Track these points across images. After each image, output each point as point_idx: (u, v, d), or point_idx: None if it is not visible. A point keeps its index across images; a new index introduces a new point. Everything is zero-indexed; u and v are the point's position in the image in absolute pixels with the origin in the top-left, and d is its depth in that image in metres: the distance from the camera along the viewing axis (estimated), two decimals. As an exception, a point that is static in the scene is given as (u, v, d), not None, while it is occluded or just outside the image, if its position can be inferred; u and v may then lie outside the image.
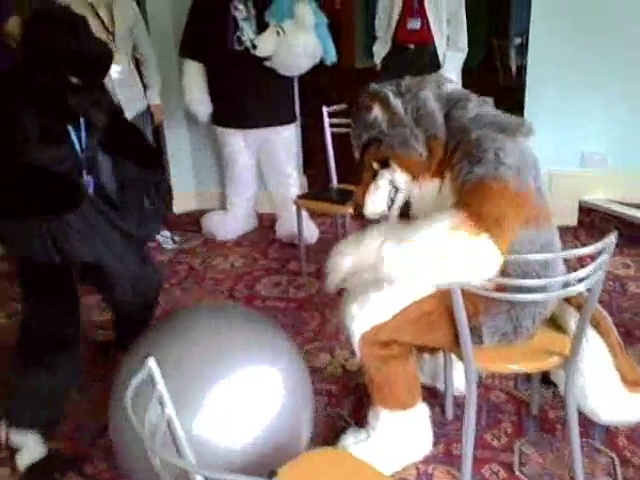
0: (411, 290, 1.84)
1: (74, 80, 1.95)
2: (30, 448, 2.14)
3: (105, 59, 2.06)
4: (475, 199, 1.61)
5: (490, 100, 1.83)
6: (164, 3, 3.98)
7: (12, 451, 2.15)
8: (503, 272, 1.65)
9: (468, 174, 1.63)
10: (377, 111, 1.77)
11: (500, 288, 1.69)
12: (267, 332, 1.93)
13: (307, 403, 1.89)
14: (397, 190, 1.85)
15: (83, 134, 2.07)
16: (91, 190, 2.12)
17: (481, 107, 1.77)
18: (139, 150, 2.33)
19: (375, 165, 1.83)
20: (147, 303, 2.46)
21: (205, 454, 1.56)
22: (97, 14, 3.28)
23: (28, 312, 2.15)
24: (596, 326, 1.86)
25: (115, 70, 3.31)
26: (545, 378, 2.15)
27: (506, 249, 1.59)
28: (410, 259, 1.64)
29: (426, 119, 1.74)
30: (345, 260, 1.86)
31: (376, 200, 1.87)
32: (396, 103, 1.75)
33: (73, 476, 2.09)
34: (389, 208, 1.88)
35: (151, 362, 1.35)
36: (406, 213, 1.92)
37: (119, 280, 2.26)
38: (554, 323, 1.93)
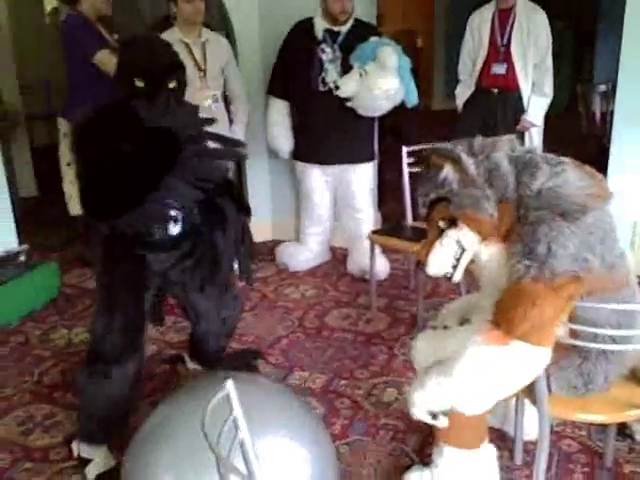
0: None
1: (139, 83, 2.03)
2: (99, 460, 2.22)
3: (173, 64, 2.13)
4: (510, 305, 1.63)
5: (568, 161, 1.75)
6: (254, 43, 4.16)
7: (83, 460, 2.24)
8: (573, 334, 1.68)
9: (516, 265, 1.62)
10: (448, 170, 1.72)
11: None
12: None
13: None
14: (463, 251, 1.80)
15: None
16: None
17: (552, 178, 1.68)
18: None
19: (442, 224, 1.79)
20: (227, 330, 2.58)
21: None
22: (191, 52, 3.47)
23: (98, 324, 2.20)
24: None
25: (204, 104, 3.47)
26: (621, 430, 2.08)
27: (551, 341, 1.63)
28: (463, 389, 1.70)
29: (498, 181, 1.70)
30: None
31: (439, 260, 1.81)
32: (469, 163, 1.71)
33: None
34: (454, 267, 1.83)
35: (229, 384, 1.40)
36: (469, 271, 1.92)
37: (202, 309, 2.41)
38: (634, 376, 1.87)
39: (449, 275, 1.84)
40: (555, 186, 1.66)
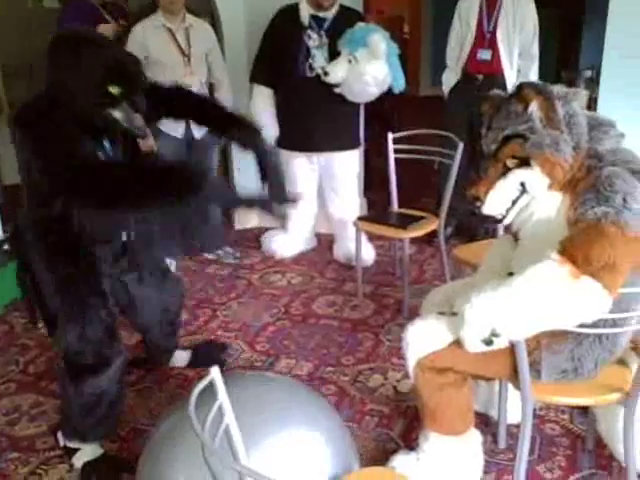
0: None
1: (114, 90, 1.90)
2: (87, 449, 2.22)
3: (140, 66, 2.00)
4: (587, 241, 1.58)
5: (624, 136, 1.77)
6: (239, 29, 4.13)
7: (69, 449, 2.25)
8: None
9: (589, 210, 1.60)
10: (535, 106, 1.68)
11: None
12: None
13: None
14: (523, 192, 1.76)
15: (107, 145, 2.07)
16: None
17: (618, 141, 1.73)
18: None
19: (510, 162, 1.73)
20: (171, 317, 2.56)
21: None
22: (174, 37, 3.44)
23: (70, 337, 2.12)
24: None
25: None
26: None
27: (617, 289, 1.58)
28: (520, 316, 1.61)
29: (576, 128, 1.69)
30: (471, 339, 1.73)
31: (499, 198, 1.77)
32: (558, 103, 1.68)
33: (128, 478, 2.15)
34: (507, 210, 1.79)
35: (214, 371, 1.40)
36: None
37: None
38: (617, 360, 1.89)
39: (501, 217, 1.81)
40: (625, 148, 1.70)
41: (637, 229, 1.58)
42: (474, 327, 1.67)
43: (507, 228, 1.97)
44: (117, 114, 1.94)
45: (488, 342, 1.67)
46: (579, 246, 1.59)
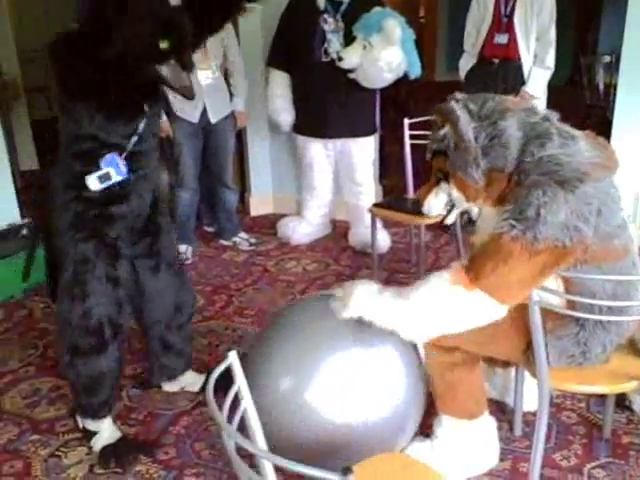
0: None
1: (163, 44, 1.85)
2: (105, 432, 2.24)
3: (189, 23, 1.92)
4: (482, 257, 1.68)
5: (580, 135, 1.75)
6: (255, 15, 4.10)
7: (88, 432, 2.26)
8: (568, 304, 1.70)
9: (500, 222, 1.65)
10: (446, 130, 1.77)
11: (570, 309, 1.70)
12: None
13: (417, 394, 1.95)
14: (453, 205, 1.92)
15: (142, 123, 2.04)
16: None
17: (562, 147, 1.68)
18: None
19: (438, 174, 1.88)
20: (181, 321, 2.41)
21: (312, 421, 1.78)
22: None
23: (73, 310, 2.10)
24: None
25: (205, 75, 3.45)
26: (620, 402, 2.10)
27: (512, 300, 1.68)
28: (414, 317, 1.76)
29: (496, 150, 1.71)
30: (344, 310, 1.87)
31: (434, 203, 1.93)
32: (467, 129, 1.72)
33: (145, 460, 2.18)
34: (448, 212, 1.95)
35: (232, 356, 1.41)
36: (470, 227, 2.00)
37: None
38: (633, 347, 1.88)
39: (441, 216, 2.00)
40: (559, 154, 1.66)
41: (549, 241, 1.59)
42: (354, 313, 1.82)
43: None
44: (165, 71, 1.90)
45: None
46: (477, 259, 1.70)
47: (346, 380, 1.80)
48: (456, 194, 1.84)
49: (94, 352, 2.11)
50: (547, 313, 1.71)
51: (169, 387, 2.55)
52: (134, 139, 2.04)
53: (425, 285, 1.75)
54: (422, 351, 1.95)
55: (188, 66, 1.94)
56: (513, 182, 1.71)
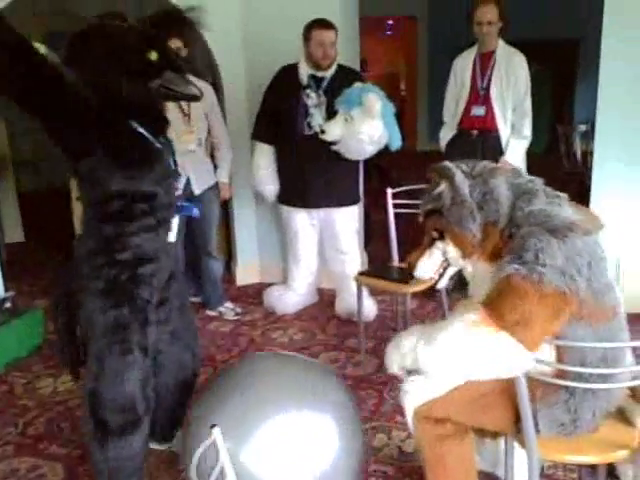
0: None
1: (153, 57, 1.87)
2: None
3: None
4: (499, 296, 1.66)
5: (564, 196, 1.83)
6: (240, 89, 4.23)
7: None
8: (560, 361, 1.68)
9: (501, 269, 1.67)
10: (444, 187, 1.84)
11: (559, 376, 1.68)
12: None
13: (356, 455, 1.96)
14: (448, 264, 1.94)
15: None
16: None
17: (549, 205, 1.76)
18: None
19: (433, 234, 1.92)
20: (183, 382, 2.38)
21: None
22: None
23: (107, 387, 2.04)
24: None
25: (188, 148, 3.52)
26: (611, 472, 2.07)
27: (538, 347, 1.63)
28: (438, 357, 1.73)
29: (490, 205, 1.79)
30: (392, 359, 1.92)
31: (426, 266, 1.96)
32: (463, 185, 1.81)
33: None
34: (440, 275, 1.98)
35: (216, 432, 1.40)
36: (463, 288, 2.00)
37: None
38: (621, 416, 1.87)
39: (434, 282, 2.01)
40: (547, 208, 1.74)
41: (554, 284, 1.61)
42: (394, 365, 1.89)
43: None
44: (165, 83, 1.92)
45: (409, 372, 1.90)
46: (493, 303, 1.67)
47: (280, 444, 1.79)
48: (452, 251, 1.87)
49: (128, 431, 2.04)
50: (536, 381, 1.70)
51: (157, 446, 2.52)
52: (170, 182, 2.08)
53: (451, 328, 1.72)
54: (411, 424, 1.93)
55: (183, 68, 1.98)
56: (505, 236, 1.76)
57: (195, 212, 2.21)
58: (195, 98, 2.03)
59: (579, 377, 1.67)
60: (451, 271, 1.98)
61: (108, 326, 2.02)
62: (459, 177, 1.82)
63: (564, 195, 1.84)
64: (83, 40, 1.92)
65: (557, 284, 1.61)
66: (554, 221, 1.70)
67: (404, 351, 1.83)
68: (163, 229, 2.12)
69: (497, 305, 1.65)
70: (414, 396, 1.90)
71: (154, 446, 2.51)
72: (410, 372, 1.90)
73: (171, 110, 3.54)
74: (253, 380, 1.93)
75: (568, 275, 1.62)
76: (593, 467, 2.14)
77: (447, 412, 1.84)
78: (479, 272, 1.88)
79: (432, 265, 1.96)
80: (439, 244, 1.91)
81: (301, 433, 1.83)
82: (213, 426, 1.42)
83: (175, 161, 2.17)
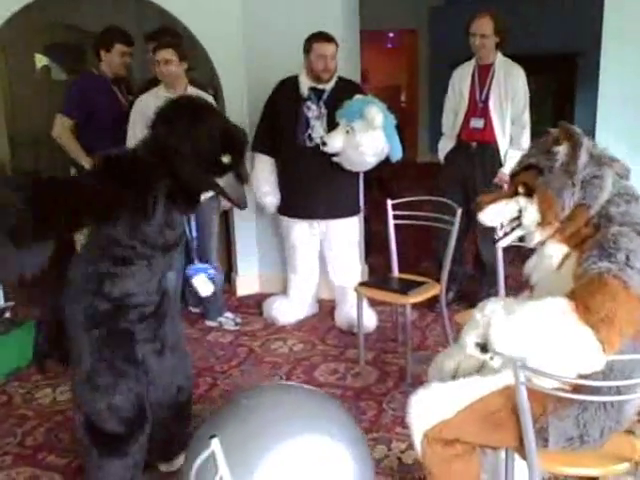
0: (476, 386, 1.84)
1: (225, 159, 1.97)
2: None
3: (247, 138, 2.08)
4: (588, 292, 1.61)
5: None
6: (241, 100, 4.25)
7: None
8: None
9: (592, 265, 1.63)
10: (563, 149, 1.76)
11: (572, 389, 1.67)
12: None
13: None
14: (519, 224, 1.86)
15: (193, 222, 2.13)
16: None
17: (637, 208, 1.76)
18: None
19: (520, 188, 1.84)
20: (180, 403, 2.37)
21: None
22: None
23: (99, 403, 2.09)
24: None
25: None
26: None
27: (614, 350, 1.59)
28: (516, 332, 1.64)
29: (592, 189, 1.74)
30: (469, 337, 1.85)
31: (496, 212, 1.88)
32: (584, 155, 1.75)
33: None
34: (505, 234, 1.90)
35: (215, 443, 1.39)
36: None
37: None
38: (624, 431, 1.86)
39: (497, 237, 1.92)
40: (636, 211, 1.73)
41: (638, 288, 1.59)
42: (476, 326, 1.78)
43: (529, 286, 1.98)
44: (222, 182, 2.01)
45: (482, 348, 1.79)
46: (581, 297, 1.62)
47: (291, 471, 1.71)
48: (532, 213, 1.80)
49: (124, 444, 2.07)
50: (548, 396, 1.68)
51: (165, 467, 2.49)
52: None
53: (538, 307, 1.66)
54: (418, 446, 1.88)
55: (245, 178, 2.07)
56: (592, 225, 1.73)
57: (211, 274, 2.23)
58: (242, 207, 2.14)
59: (595, 392, 1.64)
60: (518, 233, 1.89)
61: (93, 345, 2.06)
62: (586, 146, 1.75)
63: None
64: (174, 110, 2.02)
65: (639, 289, 1.60)
66: None
67: (478, 320, 1.76)
68: (159, 269, 2.15)
69: (585, 299, 1.60)
70: (423, 419, 1.85)
71: (162, 468, 2.49)
72: (484, 350, 1.80)
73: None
74: (257, 410, 1.87)
75: None
76: (593, 479, 2.14)
77: (457, 433, 1.82)
78: (549, 249, 1.83)
79: (501, 214, 1.87)
80: (521, 200, 1.83)
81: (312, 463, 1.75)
82: (212, 436, 1.41)
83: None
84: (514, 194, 1.85)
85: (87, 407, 2.09)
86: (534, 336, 1.62)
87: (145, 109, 3.59)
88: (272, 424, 1.77)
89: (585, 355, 1.59)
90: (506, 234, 1.90)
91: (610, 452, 1.78)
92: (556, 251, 1.81)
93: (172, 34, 3.66)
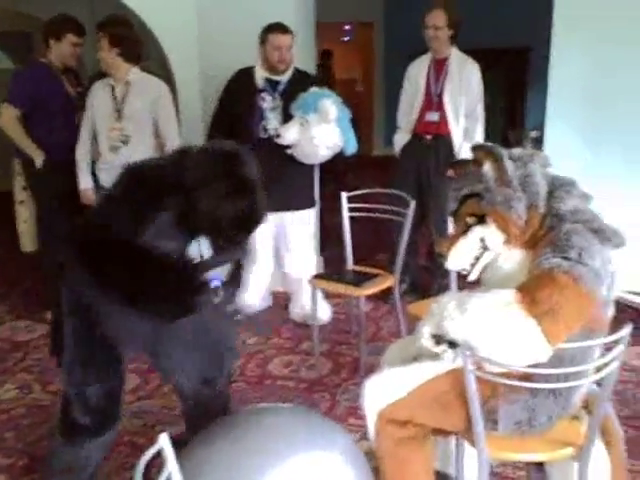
0: (428, 368, 1.86)
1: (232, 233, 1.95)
2: None
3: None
4: (536, 285, 1.64)
5: (591, 196, 1.83)
6: (195, 91, 4.19)
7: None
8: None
9: (544, 261, 1.66)
10: (488, 167, 1.78)
11: (522, 377, 1.70)
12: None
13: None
14: (484, 249, 1.84)
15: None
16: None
17: (582, 201, 1.79)
18: None
19: (470, 220, 1.83)
20: (215, 389, 2.27)
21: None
22: (114, 93, 3.49)
23: (73, 384, 2.08)
24: (608, 440, 1.85)
25: (114, 144, 3.48)
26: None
27: (559, 342, 1.62)
28: (467, 323, 1.67)
29: (531, 188, 1.76)
30: (425, 328, 1.84)
31: (461, 254, 1.86)
32: (508, 164, 1.76)
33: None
34: (472, 265, 1.87)
35: (163, 439, 1.36)
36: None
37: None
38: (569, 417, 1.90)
39: (466, 272, 1.88)
40: (587, 208, 1.76)
41: (589, 285, 1.63)
42: (432, 318, 1.77)
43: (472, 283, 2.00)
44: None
45: (437, 340, 1.78)
46: (528, 289, 1.65)
47: None
48: (494, 236, 1.79)
49: (84, 436, 2.06)
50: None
51: None
52: None
53: (484, 298, 1.68)
54: (371, 428, 1.90)
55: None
56: (546, 226, 1.75)
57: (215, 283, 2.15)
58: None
59: (545, 379, 1.69)
60: (485, 260, 1.86)
61: (73, 330, 2.04)
62: (506, 157, 1.77)
63: (591, 195, 1.85)
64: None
65: (591, 286, 1.63)
66: (599, 222, 1.72)
67: (435, 312, 1.76)
68: None
69: (532, 292, 1.63)
70: (376, 399, 1.87)
71: None
72: (439, 342, 1.79)
73: (107, 106, 3.48)
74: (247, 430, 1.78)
75: (600, 279, 1.65)
76: (540, 464, 2.19)
77: (410, 413, 1.84)
78: (512, 259, 1.82)
79: (467, 253, 1.85)
80: (477, 230, 1.82)
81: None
82: (162, 432, 1.39)
83: None
84: (466, 229, 1.85)
85: (64, 389, 2.12)
86: (483, 327, 1.65)
87: (92, 99, 3.55)
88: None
89: (529, 346, 1.62)
90: (473, 266, 1.87)
91: (556, 437, 1.82)
92: (516, 258, 1.81)
93: (123, 23, 3.58)
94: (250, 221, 1.98)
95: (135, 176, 1.97)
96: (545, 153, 1.89)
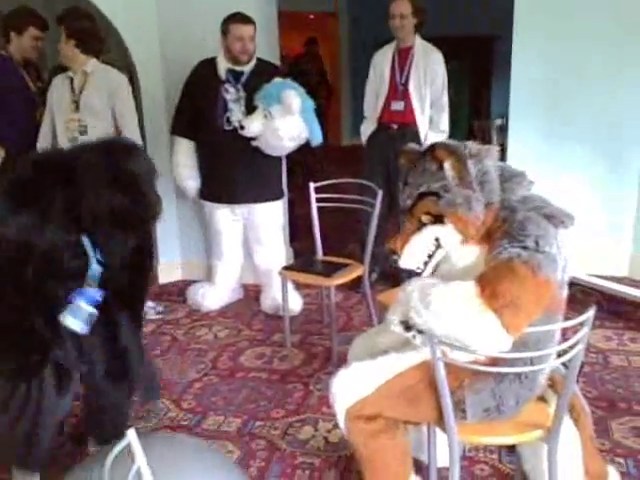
0: (394, 363, 1.86)
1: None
2: None
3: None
4: (496, 277, 1.64)
5: (533, 183, 1.85)
6: (157, 82, 4.13)
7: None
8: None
9: (502, 251, 1.65)
10: (448, 166, 1.73)
11: (489, 363, 1.72)
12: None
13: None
14: (438, 247, 1.81)
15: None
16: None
17: (529, 189, 1.81)
18: None
19: (425, 218, 1.79)
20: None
21: None
22: (72, 84, 3.43)
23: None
24: (575, 418, 1.88)
25: (73, 135, 3.41)
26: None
27: (519, 332, 1.63)
28: (428, 312, 1.66)
29: (488, 185, 1.74)
30: (393, 315, 1.86)
31: (415, 253, 1.82)
32: (469, 163, 1.74)
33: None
34: (425, 263, 1.84)
35: (131, 434, 1.34)
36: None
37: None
38: (537, 399, 1.93)
39: (419, 270, 1.84)
40: (535, 194, 1.77)
41: (548, 272, 1.64)
42: (400, 305, 1.78)
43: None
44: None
45: (406, 326, 1.81)
46: (488, 281, 1.65)
47: None
48: (450, 236, 1.77)
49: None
50: (463, 370, 1.73)
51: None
52: None
53: (446, 288, 1.68)
54: (343, 425, 1.90)
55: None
56: (500, 219, 1.74)
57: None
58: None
59: (510, 364, 1.70)
60: (437, 258, 1.84)
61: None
62: (467, 153, 1.74)
63: (533, 181, 1.85)
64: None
65: (548, 273, 1.63)
66: (550, 208, 1.73)
67: (402, 300, 1.75)
68: None
69: (492, 285, 1.62)
70: (344, 397, 1.87)
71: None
72: (408, 328, 1.80)
73: (64, 97, 3.43)
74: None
75: (556, 264, 1.65)
76: (512, 447, 2.22)
77: (378, 408, 1.84)
78: (465, 255, 1.81)
79: (421, 252, 1.82)
80: (432, 229, 1.78)
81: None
82: (129, 427, 1.37)
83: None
84: (419, 226, 1.81)
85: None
86: (444, 320, 1.65)
87: (52, 92, 3.50)
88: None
89: (490, 338, 1.63)
90: (426, 263, 1.84)
91: (525, 420, 1.84)
92: (472, 253, 1.81)
93: (83, 15, 3.50)
94: (132, 217, 1.95)
95: (35, 164, 1.96)
96: (495, 147, 1.88)
